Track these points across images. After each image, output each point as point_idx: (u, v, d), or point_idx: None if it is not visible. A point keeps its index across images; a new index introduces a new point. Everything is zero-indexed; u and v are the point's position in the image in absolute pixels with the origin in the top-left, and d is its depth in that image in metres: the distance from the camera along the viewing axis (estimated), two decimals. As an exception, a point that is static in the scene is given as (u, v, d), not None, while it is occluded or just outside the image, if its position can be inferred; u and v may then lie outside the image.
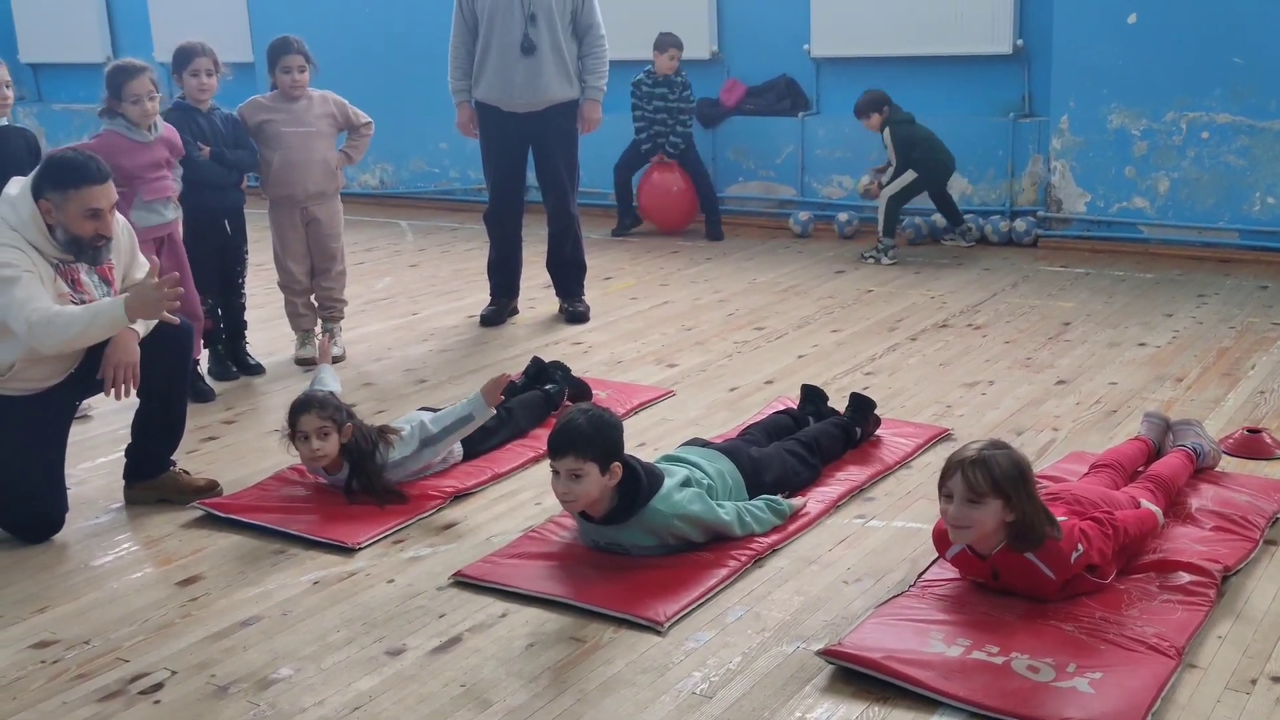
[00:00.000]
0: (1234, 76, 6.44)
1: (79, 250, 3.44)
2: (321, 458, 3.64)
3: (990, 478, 2.79)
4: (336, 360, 5.21)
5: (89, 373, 3.50)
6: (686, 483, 3.28)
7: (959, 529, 2.87)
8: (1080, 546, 2.83)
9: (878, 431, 4.06)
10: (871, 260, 6.81)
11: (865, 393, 4.15)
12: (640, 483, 3.17)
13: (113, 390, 3.46)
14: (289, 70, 4.99)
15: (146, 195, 4.45)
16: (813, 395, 4.12)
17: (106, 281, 3.56)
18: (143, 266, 3.70)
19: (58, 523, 3.54)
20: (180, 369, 3.71)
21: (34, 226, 3.36)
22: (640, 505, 3.17)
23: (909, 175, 6.78)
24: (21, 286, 3.27)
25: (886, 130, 6.83)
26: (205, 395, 4.73)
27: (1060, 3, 6.82)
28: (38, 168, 3.44)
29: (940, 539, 3.02)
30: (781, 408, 4.18)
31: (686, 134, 7.57)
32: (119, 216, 3.57)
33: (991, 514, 2.81)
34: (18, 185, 3.43)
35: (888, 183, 6.84)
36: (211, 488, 3.75)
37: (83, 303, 3.44)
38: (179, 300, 3.41)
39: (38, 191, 3.37)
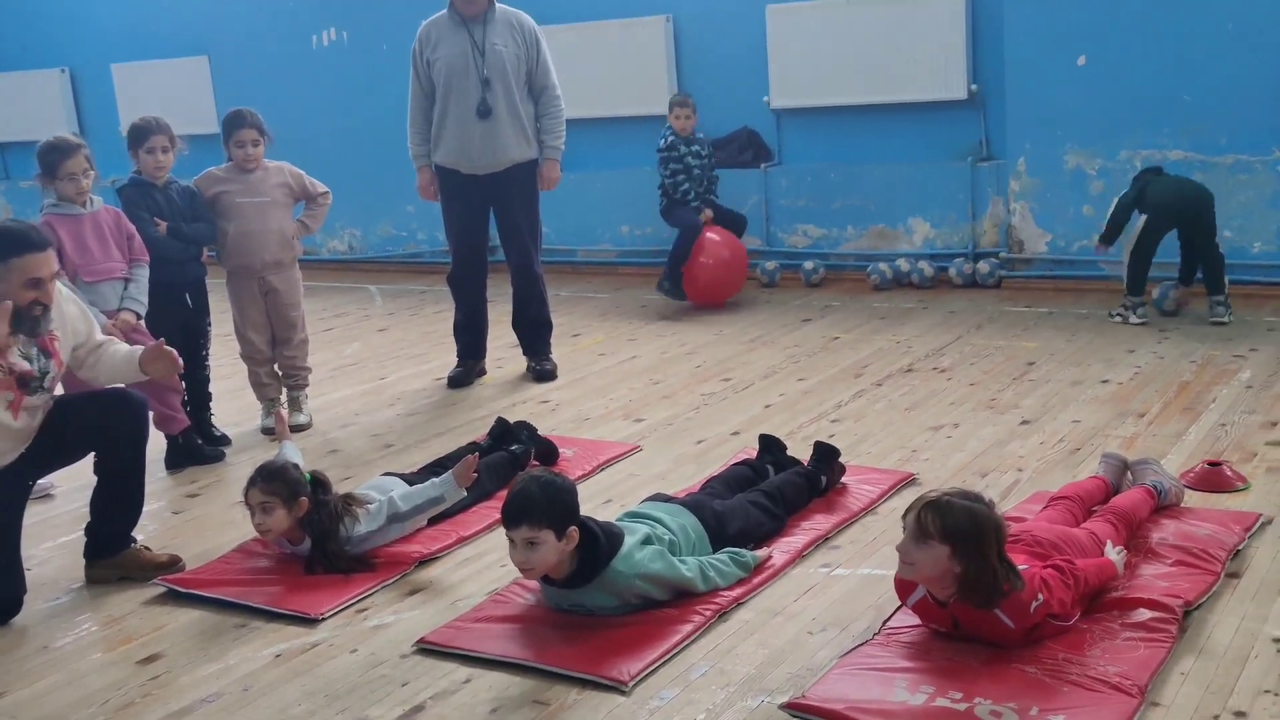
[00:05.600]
0: (1184, 113, 6.54)
1: (18, 321, 3.41)
2: (266, 531, 3.63)
3: (940, 523, 2.80)
4: (302, 429, 5.20)
5: (43, 451, 3.48)
6: (647, 540, 3.27)
7: (902, 563, 2.90)
8: (1040, 596, 2.83)
9: (843, 479, 4.06)
10: (1119, 319, 6.17)
11: (831, 440, 4.16)
12: (599, 544, 3.16)
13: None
14: (243, 144, 5.02)
15: (86, 276, 4.44)
16: (770, 445, 4.12)
17: (47, 353, 3.52)
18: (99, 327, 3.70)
19: (15, 605, 3.50)
20: (137, 444, 3.69)
21: None
22: (601, 567, 3.16)
23: (1141, 222, 6.11)
24: None
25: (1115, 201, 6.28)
26: (214, 456, 4.85)
27: (1011, 47, 6.93)
28: None
29: (901, 586, 3.02)
30: (743, 458, 4.18)
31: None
32: (60, 284, 3.55)
33: (934, 558, 2.82)
34: None
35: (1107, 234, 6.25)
36: (173, 563, 3.72)
37: (9, 372, 3.40)
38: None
39: None
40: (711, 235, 7.07)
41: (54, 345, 3.55)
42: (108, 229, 4.50)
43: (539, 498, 3.11)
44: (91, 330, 3.67)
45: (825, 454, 4.02)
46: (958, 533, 2.79)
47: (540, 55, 5.54)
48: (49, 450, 3.48)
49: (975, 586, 2.81)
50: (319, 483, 3.74)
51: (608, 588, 3.18)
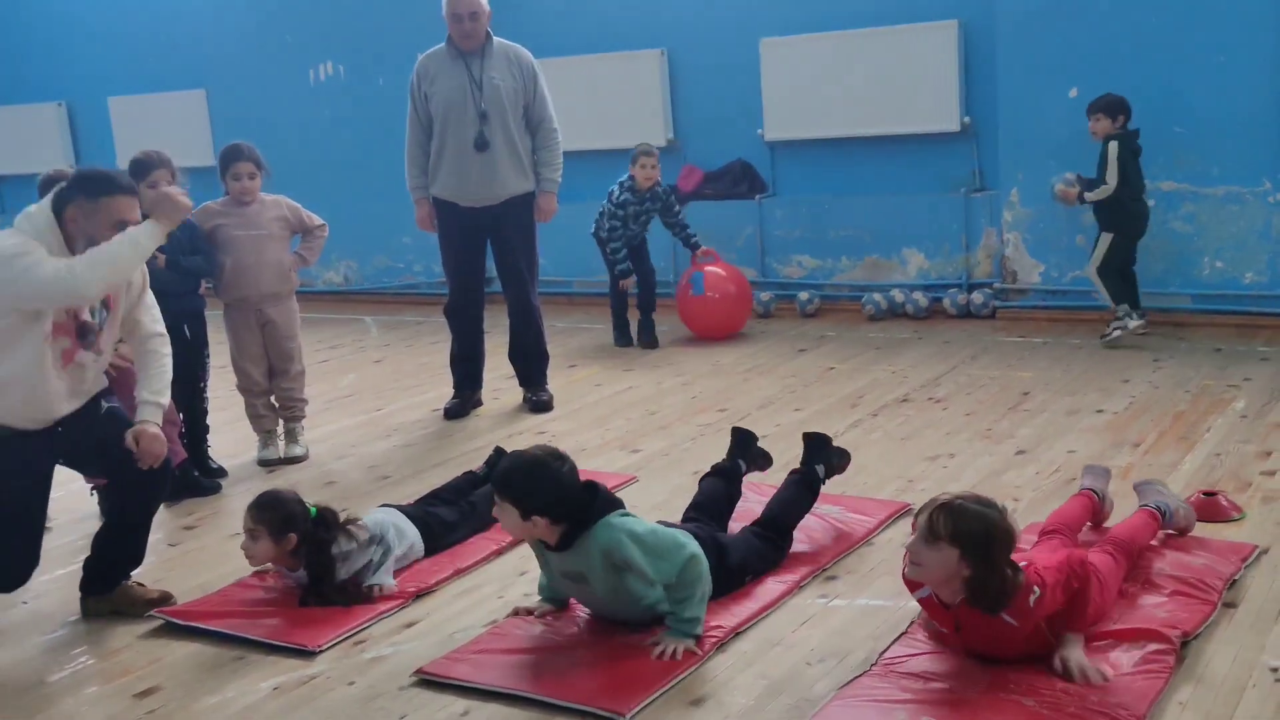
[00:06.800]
0: (1175, 145, 6.59)
1: None
2: (250, 557, 3.66)
3: (951, 525, 2.82)
4: (299, 460, 5.20)
5: (79, 447, 3.48)
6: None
7: (911, 563, 2.91)
8: (1036, 589, 2.83)
9: (840, 510, 4.07)
10: (1118, 333, 6.21)
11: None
12: (591, 508, 3.20)
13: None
14: (239, 177, 5.05)
15: None
16: (742, 440, 4.14)
17: (106, 306, 3.52)
18: (149, 308, 3.69)
19: (20, 576, 3.47)
20: (150, 507, 3.71)
21: (51, 236, 3.35)
22: (587, 526, 3.19)
23: (1106, 240, 6.22)
24: (32, 255, 3.26)
25: (1114, 145, 6.15)
26: (210, 488, 4.81)
27: (1004, 80, 6.99)
28: (68, 180, 3.46)
29: (911, 582, 3.03)
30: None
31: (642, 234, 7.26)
32: None
33: (943, 560, 2.83)
34: (36, 206, 3.45)
35: (1089, 199, 6.23)
36: (165, 599, 3.70)
37: (77, 325, 3.43)
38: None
39: (66, 199, 3.38)
40: (715, 270, 7.11)
41: (113, 301, 3.55)
42: None
43: (515, 475, 3.19)
44: (138, 305, 3.67)
45: (816, 445, 3.99)
46: (968, 536, 2.80)
47: (538, 89, 5.58)
48: (83, 450, 3.47)
49: (982, 591, 2.82)
50: (322, 520, 3.71)
51: (595, 546, 3.18)
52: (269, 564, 3.74)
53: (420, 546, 3.91)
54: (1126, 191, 6.18)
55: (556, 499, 3.18)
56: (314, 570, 3.63)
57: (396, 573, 3.79)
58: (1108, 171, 6.14)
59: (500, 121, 5.50)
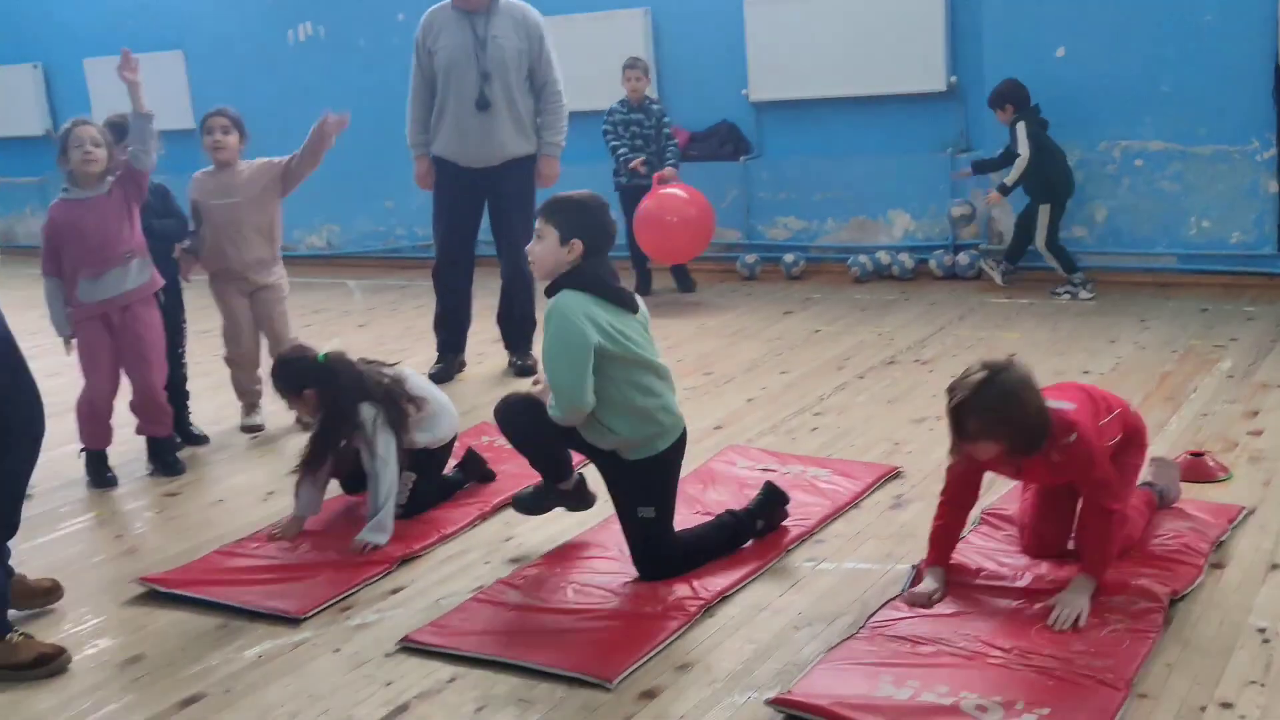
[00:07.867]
0: (1163, 105, 6.55)
1: None
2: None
3: (977, 426, 2.96)
4: (257, 430, 5.16)
5: None
6: (599, 326, 3.28)
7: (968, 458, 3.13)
8: (1074, 435, 2.97)
9: (828, 473, 4.06)
10: (1067, 297, 6.49)
11: (814, 434, 4.13)
12: (574, 278, 3.28)
13: None
14: (211, 131, 4.94)
15: (98, 265, 4.29)
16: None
17: None
18: None
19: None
20: (20, 476, 3.29)
21: None
22: (555, 290, 3.31)
23: (1044, 211, 6.56)
24: None
25: (1022, 124, 6.49)
26: (174, 469, 4.66)
27: (989, 40, 6.93)
28: None
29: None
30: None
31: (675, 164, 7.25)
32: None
33: (987, 449, 3.01)
34: None
35: (1011, 183, 6.54)
36: (53, 590, 3.50)
37: None
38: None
39: None
40: (676, 191, 7.02)
41: None
42: (124, 202, 4.41)
43: (566, 201, 3.32)
44: None
45: (770, 498, 3.68)
46: (996, 429, 2.94)
47: (543, 49, 5.50)
48: None
49: (1024, 448, 2.99)
50: (331, 370, 3.84)
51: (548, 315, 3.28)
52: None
53: (455, 424, 4.18)
54: (1047, 159, 6.50)
55: (597, 226, 3.32)
56: (324, 421, 3.79)
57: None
58: (1020, 145, 6.49)
59: (502, 82, 5.42)
